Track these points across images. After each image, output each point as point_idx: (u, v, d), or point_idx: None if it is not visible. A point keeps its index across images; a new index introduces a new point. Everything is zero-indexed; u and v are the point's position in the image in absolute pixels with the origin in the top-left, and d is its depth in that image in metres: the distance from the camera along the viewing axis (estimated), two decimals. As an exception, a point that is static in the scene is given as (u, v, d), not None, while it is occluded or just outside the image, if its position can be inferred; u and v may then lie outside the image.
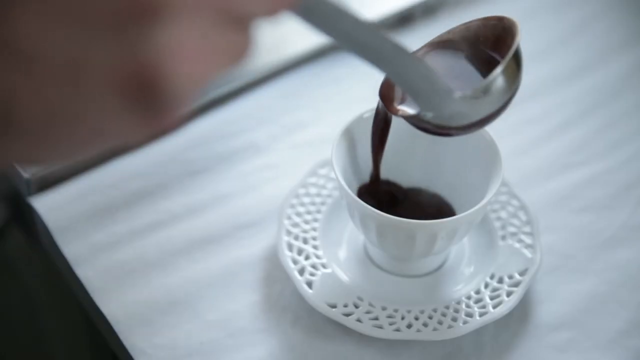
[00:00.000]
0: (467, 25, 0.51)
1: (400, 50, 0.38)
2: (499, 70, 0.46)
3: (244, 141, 0.66)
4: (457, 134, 0.48)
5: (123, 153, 0.64)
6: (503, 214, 0.59)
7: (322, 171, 0.61)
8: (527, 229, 0.58)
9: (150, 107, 0.27)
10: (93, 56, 0.26)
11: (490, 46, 0.50)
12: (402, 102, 0.50)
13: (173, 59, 0.26)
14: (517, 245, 0.58)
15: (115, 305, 0.56)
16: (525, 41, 0.73)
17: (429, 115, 0.46)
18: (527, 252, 0.57)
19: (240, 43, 0.29)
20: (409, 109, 0.49)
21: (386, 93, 0.51)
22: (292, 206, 0.59)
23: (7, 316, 0.86)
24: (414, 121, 0.48)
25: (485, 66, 0.48)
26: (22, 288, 0.80)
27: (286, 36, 0.72)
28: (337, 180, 0.53)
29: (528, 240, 0.58)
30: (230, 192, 0.63)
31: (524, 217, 0.59)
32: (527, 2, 0.77)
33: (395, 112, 0.50)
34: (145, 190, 0.62)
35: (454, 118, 0.46)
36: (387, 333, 0.53)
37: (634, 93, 0.70)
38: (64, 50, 0.26)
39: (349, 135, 0.55)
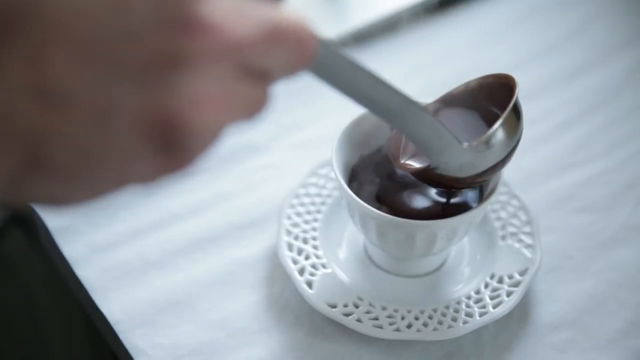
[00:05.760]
0: (466, 85, 0.52)
1: (411, 104, 0.39)
2: (499, 122, 0.47)
3: (243, 141, 0.66)
4: (464, 187, 0.50)
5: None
6: (503, 214, 0.59)
7: (322, 171, 0.61)
8: (527, 229, 0.58)
9: (171, 151, 0.28)
10: (121, 99, 0.27)
11: (491, 102, 0.51)
12: (409, 157, 0.52)
13: (194, 107, 0.28)
14: (517, 245, 0.58)
15: (115, 305, 0.56)
16: (525, 41, 0.74)
17: (439, 168, 0.47)
18: (527, 252, 0.57)
19: (257, 97, 0.30)
20: (416, 163, 0.50)
21: (393, 149, 0.53)
22: (292, 206, 0.59)
23: (7, 316, 0.86)
24: (422, 175, 0.50)
25: (487, 121, 0.50)
26: (22, 288, 0.80)
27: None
28: (337, 180, 0.53)
29: (528, 240, 0.58)
30: (230, 192, 0.63)
31: (524, 217, 0.59)
32: (528, 2, 0.77)
33: (403, 167, 0.52)
34: (145, 191, 0.62)
35: (463, 169, 0.47)
36: (387, 333, 0.53)
37: (634, 93, 0.70)
38: (94, 92, 0.27)
39: (349, 135, 0.55)
